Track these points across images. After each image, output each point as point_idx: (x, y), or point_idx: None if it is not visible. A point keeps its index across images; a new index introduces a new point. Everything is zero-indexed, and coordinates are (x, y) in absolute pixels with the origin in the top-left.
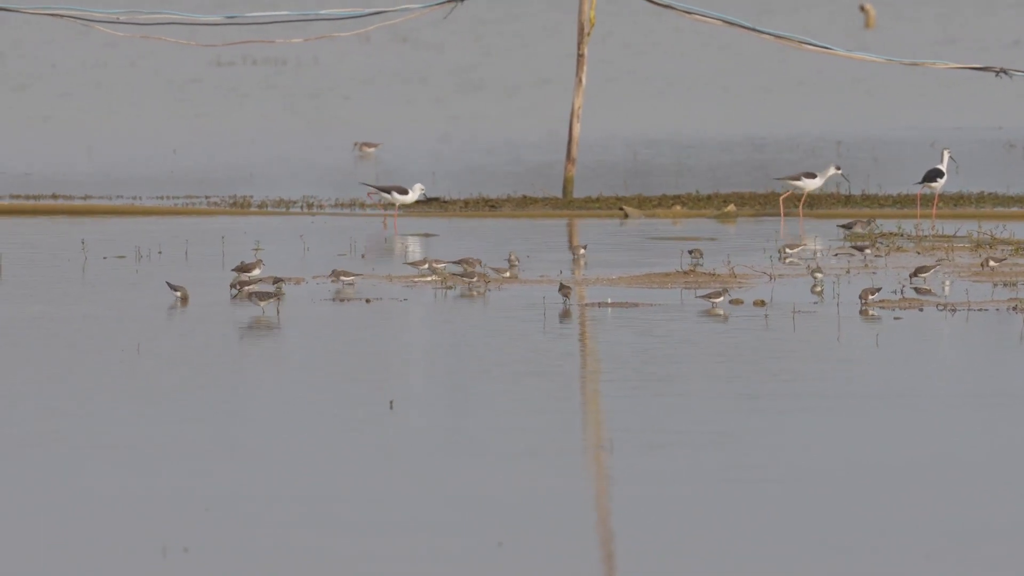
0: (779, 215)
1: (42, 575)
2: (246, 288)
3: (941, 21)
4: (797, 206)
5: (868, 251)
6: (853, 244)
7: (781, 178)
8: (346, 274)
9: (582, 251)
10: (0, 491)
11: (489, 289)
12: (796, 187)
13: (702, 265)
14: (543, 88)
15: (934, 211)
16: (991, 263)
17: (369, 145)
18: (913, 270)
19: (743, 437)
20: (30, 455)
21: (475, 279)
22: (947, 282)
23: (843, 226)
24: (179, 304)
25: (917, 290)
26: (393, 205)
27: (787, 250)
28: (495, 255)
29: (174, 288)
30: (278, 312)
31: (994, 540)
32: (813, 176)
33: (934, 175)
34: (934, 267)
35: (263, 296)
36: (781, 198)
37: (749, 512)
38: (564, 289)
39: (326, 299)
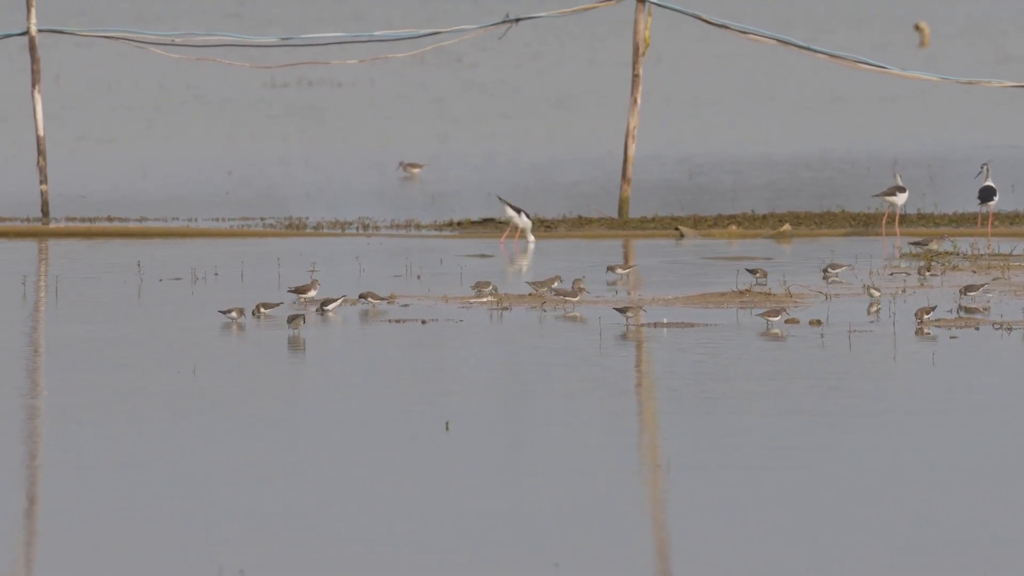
0: (832, 235)
1: None
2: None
3: (996, 39)
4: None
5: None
6: (916, 242)
7: (878, 195)
8: (375, 296)
9: (620, 271)
10: (58, 511)
11: (545, 310)
12: (891, 203)
13: (765, 285)
14: (598, 108)
15: (989, 229)
16: None
17: (414, 166)
18: (963, 288)
19: (799, 455)
20: (86, 476)
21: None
22: (999, 300)
23: (916, 243)
24: (235, 326)
25: (967, 309)
26: (514, 226)
27: (830, 270)
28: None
29: (225, 313)
30: (299, 332)
31: None
32: (904, 189)
33: (990, 193)
34: (983, 285)
35: (292, 318)
36: (884, 220)
37: (805, 530)
38: (631, 310)
39: (382, 320)
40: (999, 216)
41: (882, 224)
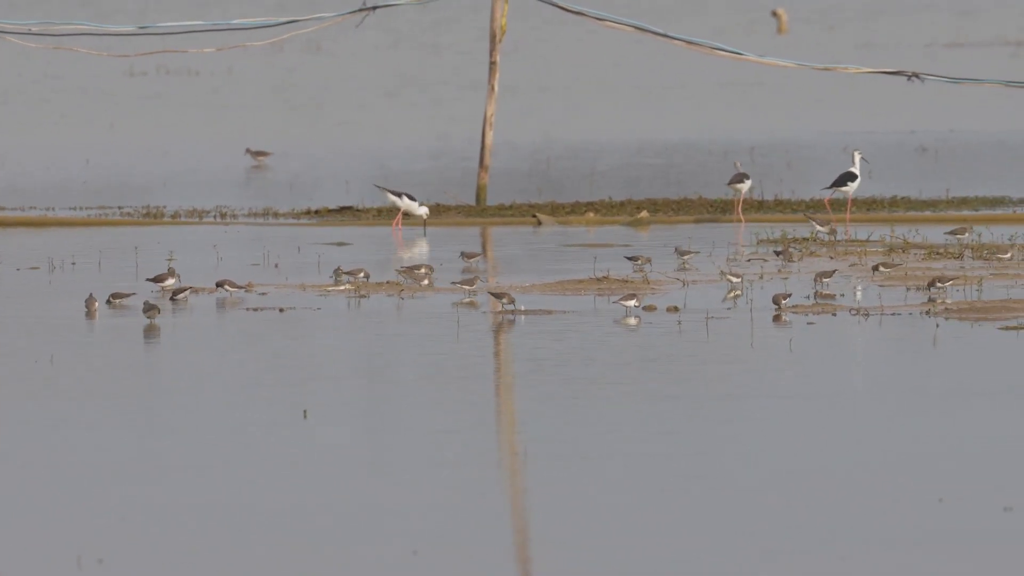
0: (690, 221)
1: None
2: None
3: (854, 26)
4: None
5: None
6: (776, 251)
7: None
8: (232, 285)
9: (472, 260)
10: None
11: (402, 298)
12: (844, 192)
13: (646, 272)
14: (456, 96)
15: (848, 216)
16: (882, 268)
17: (262, 154)
18: (817, 274)
19: (658, 440)
20: None
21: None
22: (855, 287)
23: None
24: (90, 316)
25: (821, 295)
26: (398, 211)
27: (679, 254)
28: (407, 263)
29: (118, 296)
30: (152, 322)
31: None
32: (855, 177)
33: (846, 179)
34: (835, 271)
35: (148, 308)
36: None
37: (663, 515)
38: (502, 296)
39: (240, 308)
40: (856, 202)
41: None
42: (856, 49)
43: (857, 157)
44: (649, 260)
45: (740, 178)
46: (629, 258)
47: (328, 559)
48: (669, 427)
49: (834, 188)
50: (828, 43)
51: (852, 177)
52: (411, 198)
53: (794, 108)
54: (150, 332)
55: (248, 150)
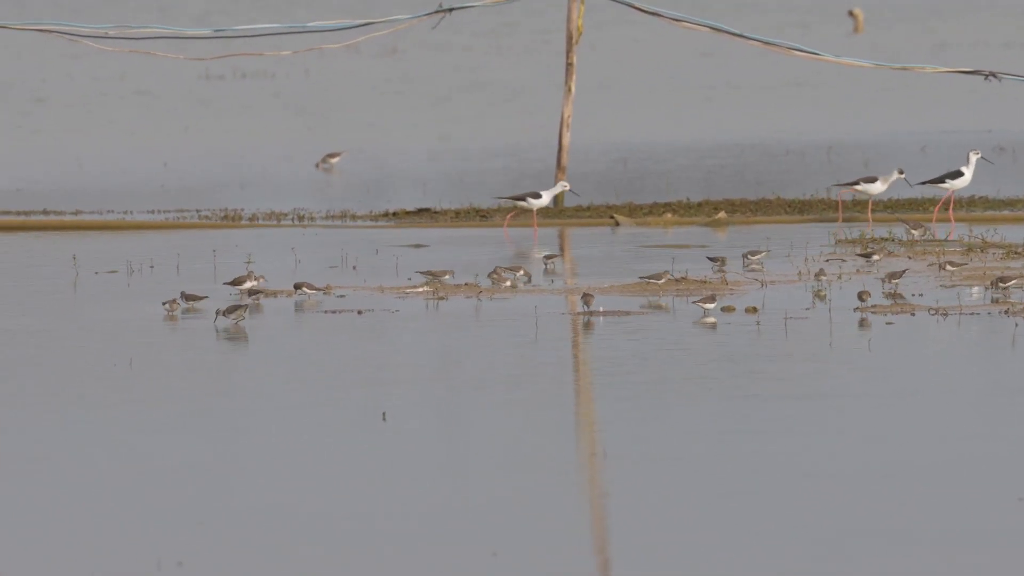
0: (768, 222)
1: None
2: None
3: (931, 25)
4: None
5: (876, 257)
6: (861, 253)
7: (841, 184)
8: (310, 287)
9: (550, 262)
10: None
11: (481, 300)
12: (859, 192)
13: (725, 273)
14: (534, 97)
15: (935, 216)
16: (948, 267)
17: (333, 155)
18: (886, 275)
19: (737, 441)
20: (21, 470)
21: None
22: (926, 286)
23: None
24: (170, 317)
25: (891, 295)
26: (530, 212)
27: (749, 256)
28: (487, 266)
29: (188, 298)
30: (238, 325)
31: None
32: (874, 180)
33: (949, 176)
34: (905, 271)
35: (230, 310)
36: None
37: (744, 515)
38: (587, 297)
39: (320, 311)
40: (933, 203)
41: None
42: (931, 49)
43: (973, 157)
44: (724, 260)
45: (954, 175)
46: (711, 259)
47: (407, 562)
48: (748, 427)
49: (933, 183)
50: (902, 42)
51: (956, 175)
52: (535, 196)
53: (867, 107)
54: (228, 335)
55: (324, 157)
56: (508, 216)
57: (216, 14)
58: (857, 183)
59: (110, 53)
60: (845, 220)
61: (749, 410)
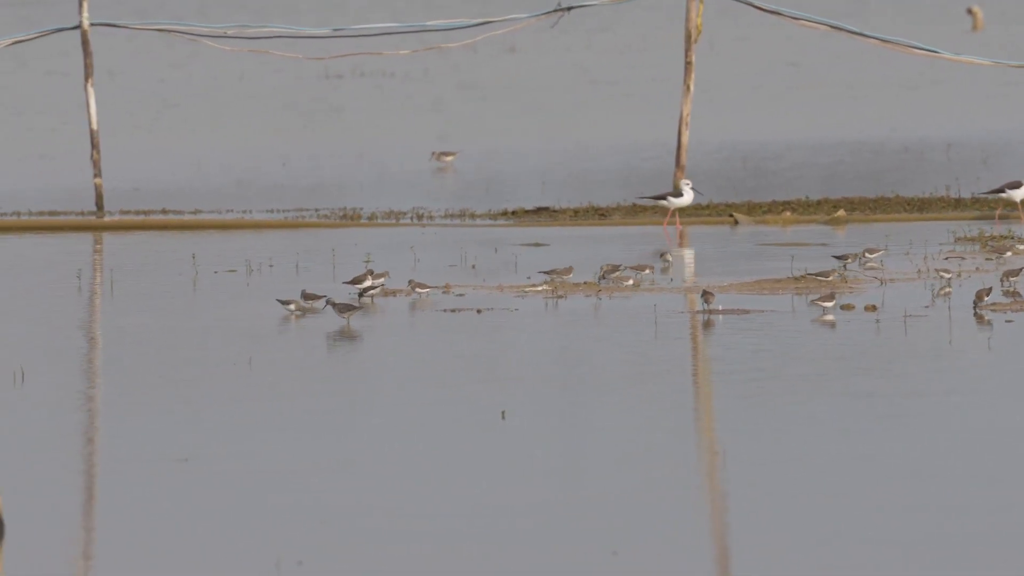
0: (887, 220)
1: None
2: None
3: None
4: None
5: (1009, 253)
6: (993, 249)
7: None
8: (422, 286)
9: (669, 259)
10: (114, 505)
11: (600, 298)
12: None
13: (847, 270)
14: (652, 95)
15: None
16: None
17: (447, 154)
18: (1003, 273)
19: (857, 440)
20: (142, 469)
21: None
22: None
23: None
24: (291, 317)
25: (1008, 293)
26: (668, 212)
27: (867, 255)
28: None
29: (284, 303)
30: (348, 323)
31: None
32: (1019, 185)
33: None
34: (1022, 269)
35: (344, 308)
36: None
37: (866, 513)
38: (707, 295)
39: (437, 309)
40: None
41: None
42: None
43: None
44: (855, 258)
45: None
46: (837, 257)
47: (527, 560)
48: (865, 426)
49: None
50: (1022, 40)
51: None
52: (676, 195)
53: (986, 105)
54: (346, 334)
55: (433, 153)
56: (668, 215)
57: (335, 14)
58: (1003, 190)
59: (229, 53)
60: (1001, 218)
61: (866, 408)
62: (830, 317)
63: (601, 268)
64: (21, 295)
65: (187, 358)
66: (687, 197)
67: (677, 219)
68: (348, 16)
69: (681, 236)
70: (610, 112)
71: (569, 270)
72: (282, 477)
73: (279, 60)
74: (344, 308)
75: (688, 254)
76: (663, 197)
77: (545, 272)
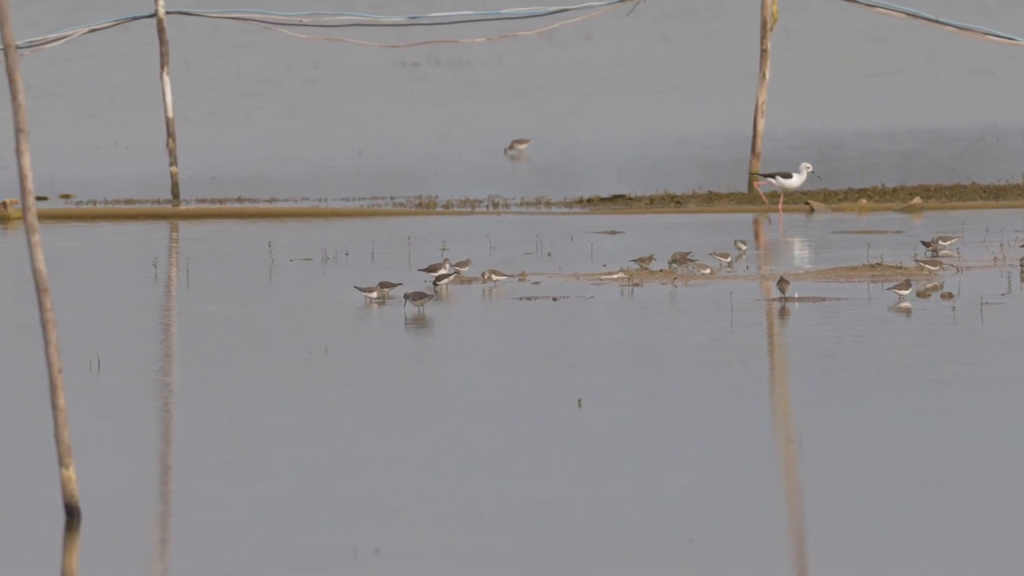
0: (963, 207)
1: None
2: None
3: None
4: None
5: None
6: None
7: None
8: (497, 274)
9: (742, 247)
10: (190, 491)
11: (676, 286)
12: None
13: (935, 256)
14: (727, 83)
15: None
16: None
17: (520, 142)
18: None
19: (934, 427)
20: (218, 456)
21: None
22: None
23: None
24: (370, 305)
25: None
26: (777, 196)
27: (940, 243)
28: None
29: (364, 291)
30: (421, 311)
31: None
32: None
33: None
34: None
35: (417, 297)
36: None
37: (945, 498)
38: (782, 283)
39: (515, 297)
40: None
41: None
42: None
43: None
44: (949, 239)
45: None
46: (925, 243)
47: (603, 548)
48: (940, 413)
49: None
50: None
51: None
52: (786, 176)
53: None
54: (422, 322)
55: (511, 143)
56: (780, 199)
57: (410, 2)
58: (774, 176)
59: (304, 41)
60: None
61: (942, 396)
62: (906, 305)
63: (672, 257)
64: (97, 284)
65: (263, 346)
66: (797, 179)
67: (780, 202)
68: (424, 4)
69: (757, 224)
70: (686, 100)
71: (650, 258)
72: (358, 465)
73: (354, 48)
74: (416, 297)
75: (765, 242)
76: (777, 176)
77: (634, 260)
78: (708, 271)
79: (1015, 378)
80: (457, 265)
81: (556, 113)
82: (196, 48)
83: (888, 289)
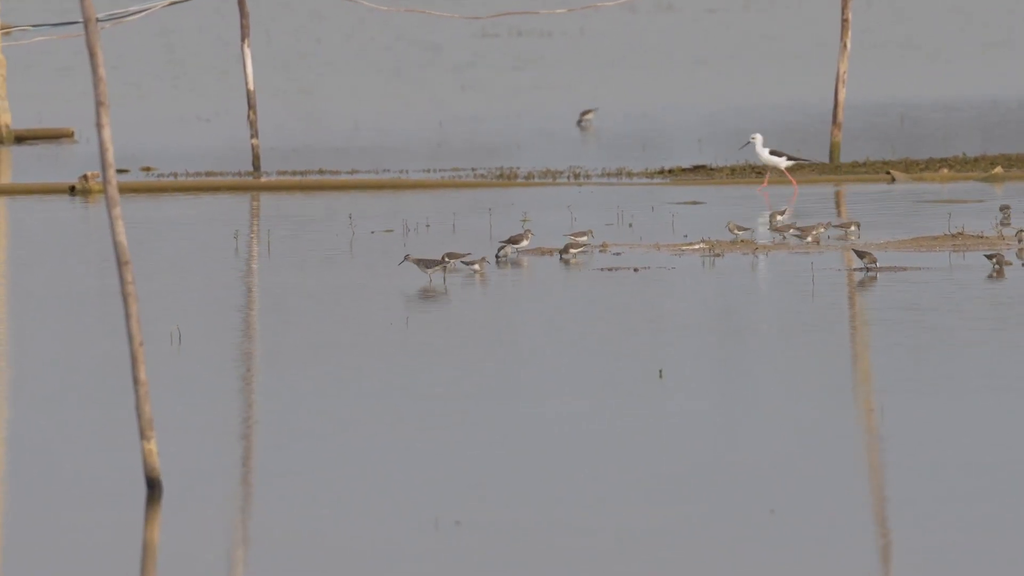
0: None
1: (323, 547)
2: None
3: None
4: None
5: None
6: None
7: None
8: (575, 245)
9: (853, 228)
10: (273, 462)
11: (757, 256)
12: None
13: (1001, 229)
14: (809, 53)
15: None
16: None
17: (587, 112)
18: None
19: (1018, 397)
20: (300, 428)
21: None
22: None
23: None
24: (477, 275)
25: None
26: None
27: (1008, 210)
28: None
29: (452, 256)
30: (444, 280)
31: None
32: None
33: None
34: None
35: (429, 264)
36: None
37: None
38: (864, 254)
39: (596, 268)
40: None
41: None
42: None
43: None
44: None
45: None
46: (1001, 208)
47: (684, 518)
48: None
49: None
50: None
51: None
52: (784, 157)
53: None
54: (505, 294)
55: (582, 113)
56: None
57: None
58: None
59: (386, 13)
60: None
61: (1020, 363)
62: (988, 274)
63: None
64: (179, 256)
65: (344, 318)
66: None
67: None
68: None
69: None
70: (768, 70)
71: (748, 228)
72: (439, 437)
73: (436, 20)
74: (428, 264)
75: (847, 212)
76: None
77: (739, 228)
78: (809, 239)
79: None
80: (511, 239)
81: (637, 83)
82: (277, 20)
83: (985, 256)
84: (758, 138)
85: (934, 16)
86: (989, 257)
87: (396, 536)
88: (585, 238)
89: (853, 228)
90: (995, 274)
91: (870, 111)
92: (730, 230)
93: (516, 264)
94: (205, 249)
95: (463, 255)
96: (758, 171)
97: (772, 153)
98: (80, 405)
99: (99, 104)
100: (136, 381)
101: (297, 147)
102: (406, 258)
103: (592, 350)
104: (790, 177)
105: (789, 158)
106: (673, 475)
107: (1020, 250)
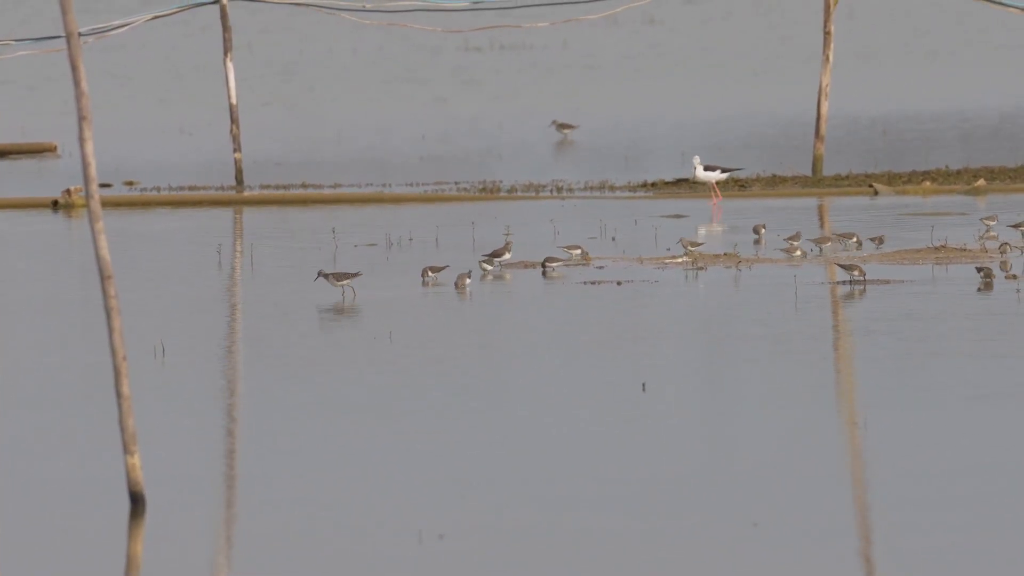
0: None
1: (307, 559)
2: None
3: None
4: None
5: None
6: None
7: None
8: (553, 260)
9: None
10: (255, 479)
11: (740, 270)
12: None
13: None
14: (790, 66)
15: None
16: None
17: (566, 126)
18: None
19: (1000, 410)
20: (280, 442)
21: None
22: None
23: None
24: (430, 285)
25: None
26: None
27: (988, 222)
28: (748, 235)
29: (434, 270)
30: (355, 294)
31: None
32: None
33: None
34: None
35: (340, 277)
36: None
37: (1005, 482)
38: (849, 267)
39: (579, 281)
40: None
41: None
42: None
43: None
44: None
45: None
46: (1013, 226)
47: (668, 531)
48: (1007, 395)
49: None
50: None
51: None
52: (717, 170)
53: None
54: (489, 307)
55: (554, 122)
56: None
57: None
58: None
59: (368, 26)
60: None
61: (1006, 376)
62: (973, 287)
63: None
64: (162, 269)
65: (327, 331)
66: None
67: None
68: None
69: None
70: (751, 82)
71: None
72: (422, 450)
73: (418, 33)
74: (340, 277)
75: (829, 224)
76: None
77: (694, 244)
78: (799, 254)
79: None
80: (493, 253)
81: (620, 96)
82: (259, 34)
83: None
84: (696, 159)
85: (913, 29)
86: (979, 270)
87: (379, 548)
88: (578, 251)
89: (854, 240)
90: (983, 287)
91: (852, 124)
92: (683, 246)
93: (499, 278)
94: (188, 263)
95: (442, 267)
96: (741, 184)
97: (707, 169)
98: (63, 418)
99: (81, 119)
100: (119, 395)
101: (280, 161)
102: (319, 274)
103: (575, 364)
104: (716, 190)
105: (723, 170)
106: (656, 488)
107: (1003, 263)
